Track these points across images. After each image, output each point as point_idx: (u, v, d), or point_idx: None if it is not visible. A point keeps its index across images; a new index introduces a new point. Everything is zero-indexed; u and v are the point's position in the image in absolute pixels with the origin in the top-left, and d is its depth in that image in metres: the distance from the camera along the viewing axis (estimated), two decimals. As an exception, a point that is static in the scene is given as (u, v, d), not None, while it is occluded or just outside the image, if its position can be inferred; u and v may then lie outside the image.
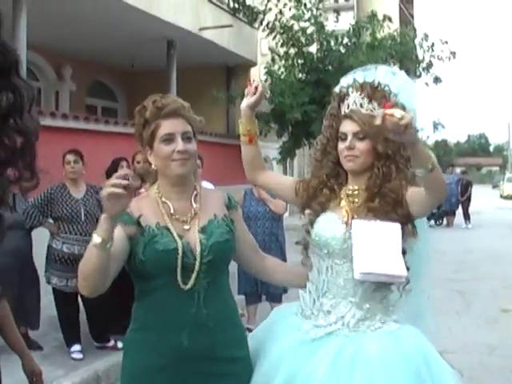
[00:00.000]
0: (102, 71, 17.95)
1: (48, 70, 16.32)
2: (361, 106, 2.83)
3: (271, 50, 17.00)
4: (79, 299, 6.83)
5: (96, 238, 2.33)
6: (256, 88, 3.01)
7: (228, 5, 16.89)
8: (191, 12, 14.97)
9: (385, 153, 2.82)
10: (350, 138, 2.83)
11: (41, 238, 7.08)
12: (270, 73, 16.61)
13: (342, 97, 2.91)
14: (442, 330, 7.97)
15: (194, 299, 2.62)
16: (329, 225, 2.88)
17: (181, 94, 15.77)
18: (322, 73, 15.98)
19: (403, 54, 16.69)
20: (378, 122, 2.40)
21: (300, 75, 16.60)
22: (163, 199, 2.72)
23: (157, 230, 2.62)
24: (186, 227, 2.69)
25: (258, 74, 17.98)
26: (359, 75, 3.03)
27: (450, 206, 23.18)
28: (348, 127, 2.85)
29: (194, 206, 2.75)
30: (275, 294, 7.70)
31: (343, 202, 2.92)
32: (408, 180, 2.82)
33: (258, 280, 7.52)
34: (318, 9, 16.34)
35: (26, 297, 6.95)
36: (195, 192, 2.80)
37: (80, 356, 6.67)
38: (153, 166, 2.71)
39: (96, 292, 2.49)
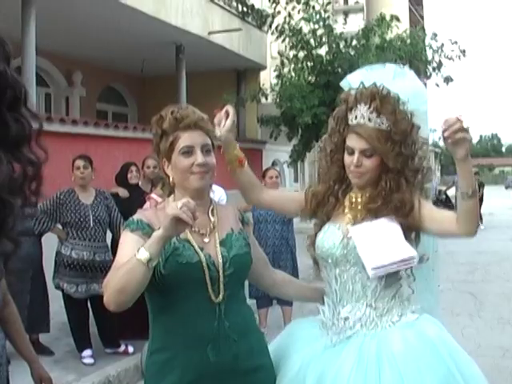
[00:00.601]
0: (112, 76, 17.99)
1: (58, 75, 16.38)
2: (369, 120, 2.77)
3: (280, 53, 16.97)
4: (89, 304, 6.85)
5: (143, 253, 2.28)
6: (227, 111, 3.02)
7: (237, 9, 16.90)
8: (199, 16, 14.99)
9: (395, 167, 2.80)
10: (357, 154, 2.79)
11: (50, 244, 7.09)
12: (279, 76, 16.60)
13: (350, 107, 2.84)
14: (454, 332, 7.93)
15: (216, 312, 2.58)
16: (328, 235, 2.89)
17: (190, 98, 15.84)
18: (331, 75, 15.94)
19: (413, 55, 16.64)
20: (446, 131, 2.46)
21: (309, 78, 16.58)
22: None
23: (178, 243, 2.55)
24: (206, 240, 2.65)
25: (268, 78, 17.98)
26: (367, 75, 2.98)
27: (462, 207, 23.11)
28: (355, 143, 2.80)
29: (212, 219, 2.72)
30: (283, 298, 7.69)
31: (346, 210, 2.93)
32: (419, 193, 2.84)
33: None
34: (326, 11, 16.31)
35: (36, 302, 6.97)
36: (211, 206, 2.77)
37: (91, 361, 6.67)
38: (171, 179, 2.66)
39: (124, 307, 2.39)
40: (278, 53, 17.22)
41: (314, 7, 16.12)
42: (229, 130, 3.04)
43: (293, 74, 16.47)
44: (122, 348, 6.95)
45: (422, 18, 64.54)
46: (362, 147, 2.78)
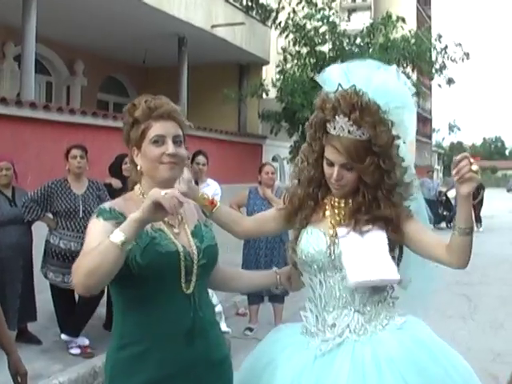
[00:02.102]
0: (114, 67, 17.95)
1: (60, 64, 16.34)
2: (349, 132, 2.68)
3: (283, 49, 16.91)
4: (76, 295, 6.81)
5: (118, 235, 2.21)
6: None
7: (241, 3, 16.86)
8: (203, 9, 14.95)
9: (372, 182, 2.74)
10: (337, 168, 2.73)
11: (40, 233, 7.06)
12: (282, 71, 16.55)
13: (328, 118, 2.73)
14: (445, 335, 7.90)
15: (191, 303, 2.56)
16: (313, 240, 2.82)
17: (192, 90, 15.83)
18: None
19: (418, 55, 16.57)
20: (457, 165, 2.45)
21: (312, 74, 16.52)
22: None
23: (154, 232, 2.51)
24: (176, 231, 2.62)
25: (272, 73, 17.93)
26: (346, 70, 2.88)
27: (461, 208, 23.07)
28: (335, 157, 2.72)
29: (180, 211, 2.63)
30: (277, 296, 7.66)
31: (328, 213, 2.88)
32: (398, 205, 2.79)
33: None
34: (330, 8, 16.23)
35: (26, 291, 6.95)
36: None
37: (78, 351, 6.65)
38: (138, 167, 2.61)
39: (94, 291, 2.31)
40: (281, 48, 17.16)
41: (316, 5, 16.03)
42: (187, 186, 2.93)
43: (295, 70, 16.40)
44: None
45: (430, 18, 64.50)
46: (341, 162, 2.72)
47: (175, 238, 2.57)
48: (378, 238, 2.75)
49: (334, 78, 2.85)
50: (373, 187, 2.76)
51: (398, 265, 2.81)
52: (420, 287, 3.06)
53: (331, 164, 2.75)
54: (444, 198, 23.69)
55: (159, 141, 2.55)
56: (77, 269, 2.27)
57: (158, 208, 2.20)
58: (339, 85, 2.77)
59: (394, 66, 3.05)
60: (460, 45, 17.03)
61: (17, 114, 9.40)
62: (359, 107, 2.67)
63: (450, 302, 9.93)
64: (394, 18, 16.57)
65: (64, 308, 6.89)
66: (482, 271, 13.27)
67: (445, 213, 23.46)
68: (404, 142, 2.90)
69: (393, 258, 2.78)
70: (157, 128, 2.56)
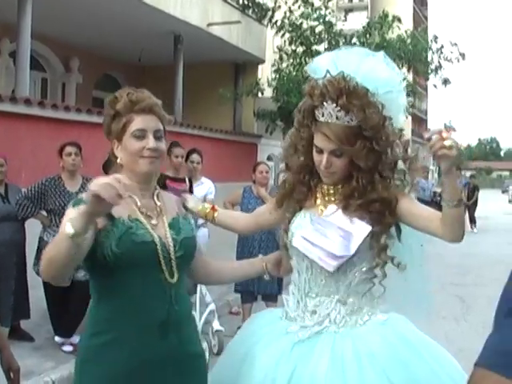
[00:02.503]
0: (110, 64, 17.93)
1: (55, 61, 16.33)
2: (337, 118, 2.66)
3: (279, 48, 16.92)
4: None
5: (68, 228, 2.20)
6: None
7: (237, 1, 16.86)
8: (199, 7, 14.95)
9: (366, 166, 2.71)
10: (326, 155, 2.71)
11: (33, 230, 7.04)
12: (278, 71, 16.56)
13: (316, 104, 2.72)
14: (437, 335, 7.91)
15: (168, 295, 2.55)
16: (304, 224, 2.82)
17: (187, 88, 15.83)
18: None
19: (413, 55, 16.59)
20: (429, 142, 2.40)
21: (308, 74, 16.53)
22: (129, 193, 2.55)
23: (130, 222, 2.52)
24: (154, 222, 2.62)
25: (268, 72, 17.93)
26: (335, 58, 2.86)
27: (456, 209, 23.13)
28: (324, 144, 2.71)
29: (158, 203, 2.70)
30: (270, 295, 7.66)
31: (319, 201, 2.87)
32: (397, 188, 2.76)
33: (254, 280, 7.50)
34: (326, 8, 16.25)
35: (19, 288, 6.93)
36: (156, 191, 2.74)
37: (70, 349, 6.63)
38: (118, 160, 2.62)
39: (59, 281, 2.38)
40: (277, 47, 17.17)
41: (312, 4, 16.04)
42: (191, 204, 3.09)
43: (291, 69, 16.41)
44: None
45: (426, 18, 64.56)
46: (330, 148, 2.69)
47: (152, 229, 2.57)
48: (359, 228, 2.71)
49: (323, 66, 2.82)
50: (367, 171, 2.72)
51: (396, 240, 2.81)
52: (416, 288, 3.05)
53: (320, 151, 2.73)
54: (439, 198, 23.70)
55: (140, 135, 2.57)
56: (43, 258, 2.34)
57: (99, 199, 2.14)
58: (327, 71, 2.75)
59: (382, 53, 3.02)
60: (456, 45, 17.05)
61: (11, 111, 9.38)
62: (346, 91, 2.66)
63: (444, 303, 9.92)
64: (390, 17, 16.59)
65: (57, 306, 6.87)
66: (476, 272, 13.30)
67: (439, 213, 23.52)
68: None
69: (386, 246, 2.76)
70: (138, 122, 2.58)
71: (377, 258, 2.76)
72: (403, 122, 3.00)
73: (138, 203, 2.60)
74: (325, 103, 2.69)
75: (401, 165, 2.85)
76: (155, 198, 2.71)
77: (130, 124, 2.57)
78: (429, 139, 2.41)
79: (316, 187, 2.90)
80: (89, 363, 2.57)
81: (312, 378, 2.59)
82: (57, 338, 6.84)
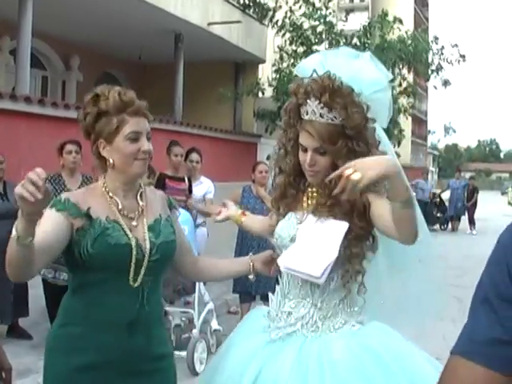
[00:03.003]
0: (110, 62, 17.92)
1: (55, 59, 16.31)
2: (321, 116, 2.69)
3: (280, 48, 16.91)
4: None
5: (14, 232, 2.22)
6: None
7: (238, 1, 16.85)
8: (200, 6, 14.94)
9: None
10: (310, 153, 2.73)
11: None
12: (278, 71, 16.55)
13: (301, 102, 2.75)
14: (435, 336, 7.91)
15: (139, 296, 2.62)
16: (287, 226, 2.86)
17: (187, 87, 15.82)
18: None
19: (414, 56, 16.57)
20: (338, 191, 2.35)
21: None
22: (110, 194, 2.68)
23: (108, 224, 2.58)
24: (134, 223, 2.67)
25: (268, 71, 17.92)
26: (322, 59, 2.89)
27: (455, 211, 23.17)
28: (308, 142, 2.73)
29: (141, 203, 2.74)
30: (268, 295, 7.67)
31: (305, 205, 2.90)
32: (371, 192, 2.68)
33: (252, 281, 7.51)
34: (327, 8, 16.23)
35: (18, 286, 6.93)
36: (141, 190, 2.78)
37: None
38: (111, 161, 2.63)
39: (20, 279, 2.49)
40: (278, 47, 17.15)
41: (313, 4, 16.03)
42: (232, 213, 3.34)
43: (291, 70, 16.39)
44: None
45: (427, 19, 64.52)
46: (314, 146, 2.72)
47: (131, 231, 2.62)
48: (335, 230, 2.71)
49: (310, 66, 2.84)
50: None
51: (372, 253, 2.80)
52: (416, 290, 3.05)
53: (305, 150, 2.76)
54: (438, 199, 23.74)
55: (135, 137, 2.61)
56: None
57: (24, 199, 2.08)
58: (314, 70, 2.77)
59: (369, 53, 3.05)
60: (456, 45, 17.03)
61: (11, 108, 9.37)
62: (330, 89, 2.68)
63: (442, 304, 9.93)
64: (390, 18, 16.58)
65: (56, 304, 6.87)
66: (475, 273, 13.16)
67: (438, 214, 23.53)
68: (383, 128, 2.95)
69: (358, 255, 2.75)
70: (133, 124, 2.61)
71: (347, 264, 2.74)
72: (386, 122, 3.01)
73: (119, 205, 2.65)
74: (308, 100, 2.72)
75: None
76: (138, 197, 2.74)
77: (124, 126, 2.59)
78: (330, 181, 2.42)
79: (305, 190, 2.92)
80: (55, 352, 2.67)
81: (276, 378, 2.63)
82: None
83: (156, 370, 2.71)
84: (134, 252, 2.57)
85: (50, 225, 2.47)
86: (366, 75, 2.85)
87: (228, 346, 2.97)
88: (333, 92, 2.68)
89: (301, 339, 2.73)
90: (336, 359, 2.60)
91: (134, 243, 2.58)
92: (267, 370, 2.67)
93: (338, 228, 2.71)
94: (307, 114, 2.73)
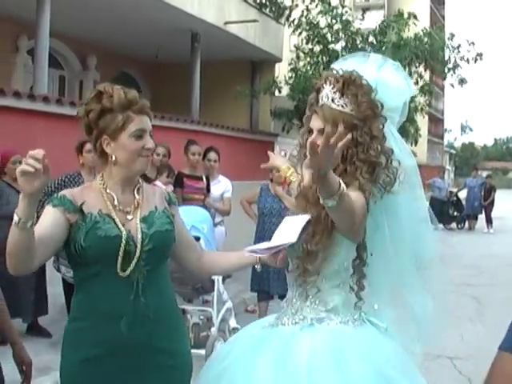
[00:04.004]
0: (127, 62, 17.96)
1: (73, 59, 16.38)
2: (332, 100, 2.77)
3: (296, 46, 16.91)
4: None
5: (15, 217, 2.30)
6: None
7: (254, 0, 16.84)
8: (216, 6, 14.93)
9: (345, 155, 2.75)
10: (315, 133, 2.78)
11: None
12: (294, 69, 16.55)
13: (318, 89, 2.86)
14: (453, 336, 7.90)
15: (133, 287, 2.65)
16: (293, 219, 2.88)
17: (204, 86, 15.82)
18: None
19: (431, 54, 16.51)
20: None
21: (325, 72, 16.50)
22: (108, 190, 2.75)
23: (99, 217, 2.65)
24: (129, 217, 2.73)
25: (284, 70, 17.92)
26: (350, 63, 2.97)
27: (472, 209, 23.06)
28: (314, 123, 2.81)
29: (137, 197, 2.80)
30: (284, 295, 7.69)
31: None
32: (359, 184, 2.71)
33: (270, 280, 7.54)
34: (343, 6, 16.21)
35: (36, 283, 6.99)
36: (138, 185, 2.84)
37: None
38: (113, 158, 2.71)
39: (20, 271, 2.48)
40: (294, 46, 17.14)
41: (329, 3, 16.02)
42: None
43: (308, 68, 16.39)
44: None
45: (443, 17, 64.26)
46: (318, 126, 2.77)
47: (123, 224, 2.67)
48: (297, 221, 2.75)
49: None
50: (345, 160, 2.76)
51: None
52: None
53: (311, 132, 2.82)
54: (455, 198, 23.64)
55: (140, 135, 2.69)
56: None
57: (27, 176, 2.23)
58: (341, 69, 2.87)
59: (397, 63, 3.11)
60: (473, 44, 16.94)
61: (29, 108, 9.42)
62: (346, 78, 2.78)
63: (459, 303, 9.92)
64: (406, 15, 16.54)
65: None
66: (492, 273, 13.25)
67: (455, 213, 23.43)
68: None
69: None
70: (138, 122, 2.69)
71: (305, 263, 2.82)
72: (397, 126, 3.04)
73: (115, 200, 2.72)
74: (324, 85, 2.80)
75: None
76: (135, 192, 2.80)
77: (129, 123, 2.67)
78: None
79: None
80: (65, 346, 2.77)
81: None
82: None
83: (163, 366, 2.74)
84: (124, 243, 2.61)
85: (48, 219, 2.58)
86: (392, 83, 2.93)
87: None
88: (348, 81, 2.77)
89: (275, 330, 2.87)
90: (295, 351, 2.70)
91: (124, 234, 2.63)
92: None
93: (300, 219, 2.76)
94: (321, 99, 2.81)
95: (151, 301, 2.68)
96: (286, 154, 3.31)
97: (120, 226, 2.65)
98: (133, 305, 2.63)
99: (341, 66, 2.94)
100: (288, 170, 3.26)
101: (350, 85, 2.76)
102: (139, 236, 2.67)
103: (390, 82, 2.93)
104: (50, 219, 2.58)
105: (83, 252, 2.59)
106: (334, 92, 2.76)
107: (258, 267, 3.07)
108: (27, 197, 2.28)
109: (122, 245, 2.61)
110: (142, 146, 2.69)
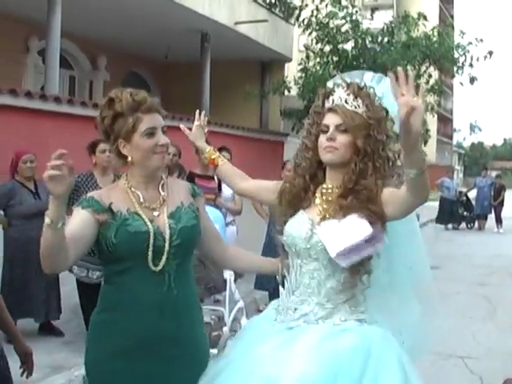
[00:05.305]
0: (137, 62, 18.01)
1: (83, 59, 16.44)
2: (346, 101, 2.85)
3: (306, 46, 16.91)
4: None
5: (46, 219, 2.41)
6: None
7: (264, 0, 16.85)
8: (226, 6, 14.96)
9: (363, 149, 2.82)
10: (331, 129, 2.83)
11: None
12: (304, 69, 16.55)
13: (327, 94, 2.93)
14: (465, 335, 7.90)
15: (165, 280, 2.77)
16: (297, 224, 2.91)
17: (214, 87, 15.85)
18: (356, 70, 15.81)
19: (441, 54, 16.47)
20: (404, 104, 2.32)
21: (334, 72, 16.49)
22: (132, 189, 2.86)
23: (128, 215, 2.76)
24: (156, 214, 2.83)
25: (294, 70, 17.93)
26: (346, 79, 3.03)
27: (482, 209, 22.98)
28: (331, 120, 2.85)
29: (162, 193, 2.89)
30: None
31: (317, 200, 2.95)
32: (384, 180, 2.83)
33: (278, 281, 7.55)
34: (353, 6, 16.21)
35: (48, 284, 7.01)
36: (162, 181, 2.93)
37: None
38: (129, 159, 2.81)
39: (54, 270, 2.63)
40: (304, 46, 17.14)
41: (340, 2, 16.02)
42: (197, 138, 3.44)
43: (318, 68, 16.40)
44: None
45: (452, 16, 64.15)
46: (336, 122, 2.83)
47: (151, 220, 2.79)
48: (355, 218, 2.77)
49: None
50: (364, 155, 2.83)
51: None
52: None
53: (327, 129, 2.86)
54: (465, 198, 23.57)
55: (151, 132, 2.78)
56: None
57: (55, 180, 2.32)
58: (343, 80, 2.98)
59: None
60: (482, 40, 16.86)
61: (41, 108, 9.47)
62: (357, 84, 2.90)
63: (471, 303, 9.93)
64: (414, 15, 16.53)
65: (89, 302, 6.93)
66: (503, 272, 13.22)
67: (465, 213, 23.36)
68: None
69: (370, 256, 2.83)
70: (148, 121, 2.78)
71: (360, 265, 2.82)
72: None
73: (141, 198, 2.83)
74: (336, 89, 2.91)
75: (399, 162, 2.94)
76: (160, 188, 2.90)
77: (139, 124, 2.77)
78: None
79: (316, 189, 2.98)
80: (92, 338, 2.87)
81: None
82: None
83: (187, 355, 2.84)
84: (152, 238, 2.72)
85: (79, 220, 2.71)
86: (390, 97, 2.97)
87: (236, 337, 3.16)
88: (358, 85, 2.89)
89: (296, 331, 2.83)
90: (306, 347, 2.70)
91: (152, 230, 2.74)
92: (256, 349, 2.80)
93: (359, 219, 2.77)
94: (333, 101, 2.89)
95: (181, 292, 2.80)
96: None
97: (148, 222, 2.76)
98: (165, 297, 2.75)
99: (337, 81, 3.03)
100: (214, 152, 3.41)
101: (361, 89, 2.87)
102: (168, 231, 2.78)
103: (389, 94, 2.97)
104: (80, 220, 2.70)
105: (114, 248, 2.70)
106: (348, 94, 2.85)
107: (278, 278, 3.14)
108: (57, 199, 2.39)
109: (151, 240, 2.72)
110: (154, 144, 2.77)
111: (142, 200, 2.83)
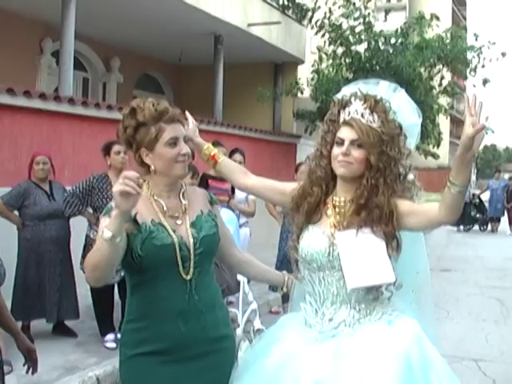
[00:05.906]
0: (150, 64, 18.05)
1: (96, 61, 16.49)
2: (362, 115, 2.87)
3: (319, 48, 16.90)
4: (115, 290, 6.90)
5: (106, 233, 2.49)
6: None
7: (277, 2, 16.85)
8: (239, 8, 14.99)
9: (376, 165, 2.85)
10: (346, 143, 2.85)
11: (77, 227, 7.15)
12: (317, 71, 16.55)
13: (344, 104, 2.93)
14: (478, 338, 7.88)
15: (187, 287, 2.84)
16: (313, 240, 2.94)
17: (227, 89, 15.88)
18: (369, 73, 15.78)
19: (455, 55, 16.42)
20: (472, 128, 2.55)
21: (347, 74, 16.49)
22: (155, 197, 2.90)
23: (153, 227, 2.80)
24: (179, 222, 2.90)
25: (306, 72, 17.92)
26: (362, 87, 3.03)
27: (495, 212, 22.90)
28: (346, 134, 2.87)
29: (183, 202, 2.96)
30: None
31: (329, 212, 2.97)
32: (398, 195, 2.87)
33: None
34: (366, 8, 16.19)
35: (65, 287, 7.04)
36: (182, 189, 3.00)
37: (113, 345, 6.70)
38: (152, 168, 2.85)
39: (102, 283, 2.71)
40: (317, 48, 17.13)
41: (354, 4, 16.01)
42: (192, 136, 3.33)
43: (330, 70, 16.39)
44: None
45: (465, 18, 63.96)
46: (352, 137, 2.85)
47: (175, 230, 2.84)
48: (373, 237, 2.85)
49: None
50: (376, 171, 2.86)
51: (396, 253, 2.90)
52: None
53: (341, 143, 2.87)
54: (477, 200, 23.48)
55: (173, 142, 2.83)
56: (86, 264, 2.67)
57: (126, 196, 2.42)
58: (358, 89, 2.99)
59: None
60: (494, 43, 16.82)
61: (55, 110, 9.51)
62: (375, 98, 2.92)
63: (484, 306, 9.90)
64: (427, 17, 16.49)
65: (103, 303, 6.98)
66: (516, 275, 13.17)
67: (478, 215, 23.28)
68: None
69: (389, 256, 2.87)
70: (170, 131, 2.83)
71: None
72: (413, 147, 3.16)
73: (164, 207, 2.88)
74: (353, 101, 2.92)
75: (410, 176, 3.01)
76: (181, 197, 2.97)
77: (162, 133, 2.81)
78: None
79: (326, 200, 3.01)
80: (123, 346, 2.97)
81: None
82: (109, 344, 6.87)
83: (213, 351, 2.92)
84: (178, 250, 2.80)
85: None
86: (404, 108, 3.04)
87: (267, 344, 3.05)
88: (375, 99, 2.91)
89: (342, 337, 2.86)
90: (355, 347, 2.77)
91: (177, 241, 2.81)
92: (307, 367, 2.79)
93: (377, 238, 2.85)
94: (349, 114, 2.90)
95: (203, 296, 2.88)
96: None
97: (172, 233, 2.82)
98: (188, 302, 2.83)
99: (351, 89, 3.03)
100: (213, 148, 3.41)
101: (378, 104, 2.89)
102: (191, 241, 2.85)
103: (403, 107, 3.03)
104: None
105: (140, 260, 2.75)
106: (365, 108, 2.87)
107: (284, 290, 3.26)
108: (122, 214, 2.48)
109: (177, 251, 2.79)
110: (177, 153, 2.82)
111: (165, 209, 2.88)
